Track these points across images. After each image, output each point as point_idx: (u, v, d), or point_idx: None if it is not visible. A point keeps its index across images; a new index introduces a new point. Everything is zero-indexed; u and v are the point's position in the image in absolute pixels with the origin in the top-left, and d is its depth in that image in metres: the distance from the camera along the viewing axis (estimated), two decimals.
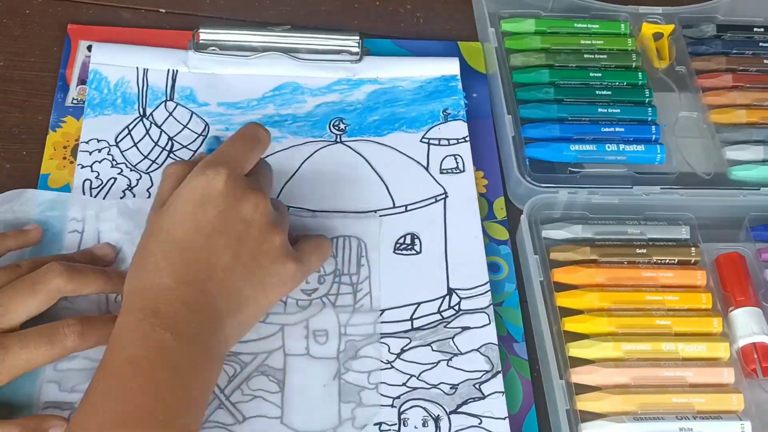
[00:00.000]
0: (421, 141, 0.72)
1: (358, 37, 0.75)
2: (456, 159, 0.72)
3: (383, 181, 0.70)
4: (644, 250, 0.68)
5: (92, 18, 0.77)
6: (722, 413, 0.62)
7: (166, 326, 0.53)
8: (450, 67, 0.76)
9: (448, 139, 0.73)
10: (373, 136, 0.72)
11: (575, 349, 0.63)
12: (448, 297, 0.65)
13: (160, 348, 0.52)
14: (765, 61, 0.80)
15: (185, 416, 0.52)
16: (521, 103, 0.75)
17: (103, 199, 0.67)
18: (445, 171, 0.71)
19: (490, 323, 0.64)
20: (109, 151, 0.69)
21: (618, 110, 0.75)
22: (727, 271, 0.68)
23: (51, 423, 0.56)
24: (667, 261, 0.68)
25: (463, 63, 0.78)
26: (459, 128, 0.73)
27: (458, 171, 0.71)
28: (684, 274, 0.67)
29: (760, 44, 0.81)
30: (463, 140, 0.73)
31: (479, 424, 0.61)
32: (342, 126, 0.72)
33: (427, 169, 0.71)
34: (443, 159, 0.72)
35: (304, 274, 0.61)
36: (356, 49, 0.75)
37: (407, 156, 0.72)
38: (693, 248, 0.68)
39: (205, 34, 0.74)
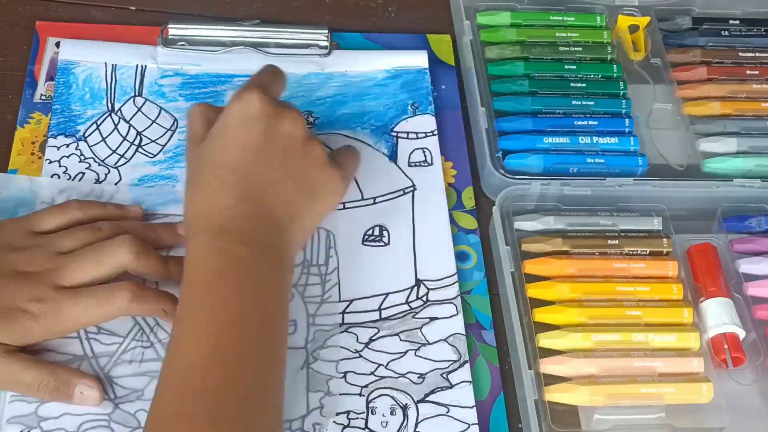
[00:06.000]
0: (389, 134, 0.75)
1: (326, 31, 0.78)
2: (424, 152, 0.74)
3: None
4: (616, 242, 0.70)
5: (61, 16, 0.79)
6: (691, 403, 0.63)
7: (238, 240, 0.58)
8: (419, 59, 0.79)
9: (416, 133, 0.75)
10: (342, 130, 0.75)
11: (545, 340, 0.65)
12: (416, 288, 0.68)
13: (239, 260, 0.58)
14: (740, 54, 0.82)
15: (275, 314, 0.59)
16: (495, 96, 0.76)
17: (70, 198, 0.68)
18: (413, 164, 0.74)
19: (457, 314, 0.67)
20: (77, 146, 0.71)
21: (592, 102, 0.77)
22: (699, 261, 0.70)
23: (81, 380, 0.60)
24: (638, 252, 0.70)
25: (431, 55, 0.80)
26: (427, 122, 0.76)
27: (426, 164, 0.74)
28: (655, 265, 0.69)
29: (736, 37, 0.82)
30: (431, 134, 0.75)
31: (447, 412, 0.63)
32: (311, 120, 0.75)
33: (395, 162, 0.74)
34: (411, 152, 0.74)
35: (348, 181, 0.67)
36: (325, 43, 0.78)
37: (376, 149, 0.74)
38: (665, 239, 0.70)
39: (174, 30, 0.77)
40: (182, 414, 0.52)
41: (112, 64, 0.76)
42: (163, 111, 0.74)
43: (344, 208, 0.71)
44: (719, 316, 0.67)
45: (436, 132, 0.76)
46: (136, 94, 0.75)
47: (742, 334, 0.67)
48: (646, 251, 0.70)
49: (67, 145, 0.71)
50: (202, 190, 0.60)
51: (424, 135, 0.75)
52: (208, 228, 0.59)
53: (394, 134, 0.75)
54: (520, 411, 0.64)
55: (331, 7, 0.84)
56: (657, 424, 0.63)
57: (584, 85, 0.79)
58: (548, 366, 0.64)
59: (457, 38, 0.82)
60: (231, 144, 0.61)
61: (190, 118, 0.65)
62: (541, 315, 0.66)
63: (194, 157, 0.63)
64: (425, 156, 0.74)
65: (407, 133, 0.75)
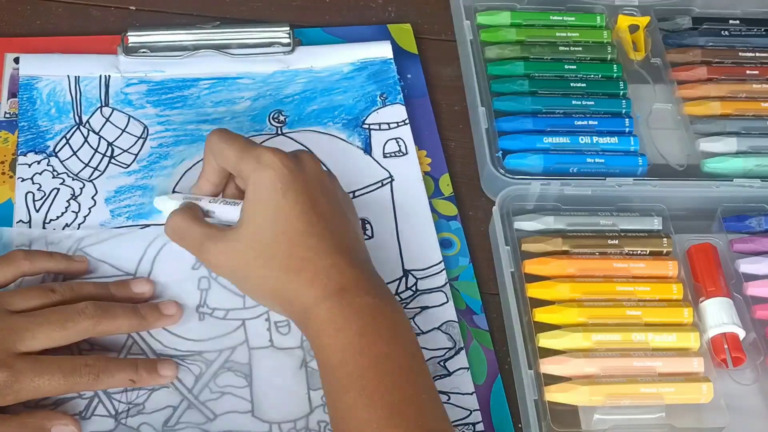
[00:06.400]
0: (361, 127, 0.79)
1: (288, 28, 0.83)
2: (398, 142, 0.79)
3: (328, 170, 0.73)
4: (616, 242, 0.72)
5: (60, 17, 0.83)
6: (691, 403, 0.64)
7: (361, 293, 0.60)
8: (383, 50, 0.84)
9: (388, 123, 0.79)
10: (314, 126, 0.78)
11: (545, 340, 0.67)
12: (404, 279, 0.72)
13: (372, 312, 0.59)
14: (740, 54, 0.85)
15: (418, 351, 0.60)
16: (495, 96, 0.78)
17: (47, 215, 0.71)
18: (388, 155, 0.78)
19: (448, 301, 0.71)
20: (49, 162, 0.75)
21: (592, 102, 0.80)
22: (699, 261, 0.73)
23: (54, 422, 0.60)
24: (638, 252, 0.71)
25: (394, 45, 0.85)
26: (398, 111, 0.80)
27: (401, 154, 0.78)
28: (655, 265, 0.72)
29: (736, 37, 0.85)
30: (403, 123, 0.80)
31: (448, 400, 0.67)
32: (281, 118, 0.79)
33: (370, 154, 0.78)
34: (385, 143, 0.79)
35: None
36: (287, 40, 0.83)
37: (349, 143, 0.79)
38: (665, 239, 0.72)
39: (134, 37, 0.81)
40: None
41: (75, 76, 0.79)
42: (132, 119, 0.78)
43: None
44: (719, 315, 0.70)
45: (407, 121, 0.80)
46: (103, 104, 0.79)
47: (742, 334, 0.69)
48: (646, 251, 0.72)
49: (38, 162, 0.75)
50: (293, 267, 0.60)
51: (396, 125, 0.79)
52: (325, 295, 0.60)
53: (366, 126, 0.79)
54: (520, 411, 0.65)
55: (331, 7, 0.88)
56: (657, 424, 0.65)
57: (584, 85, 0.83)
58: (548, 366, 0.67)
59: (457, 38, 0.83)
60: (288, 213, 0.62)
61: (179, 228, 0.64)
62: (541, 315, 0.69)
63: (242, 246, 0.62)
64: (399, 146, 0.78)
65: (379, 124, 0.80)
